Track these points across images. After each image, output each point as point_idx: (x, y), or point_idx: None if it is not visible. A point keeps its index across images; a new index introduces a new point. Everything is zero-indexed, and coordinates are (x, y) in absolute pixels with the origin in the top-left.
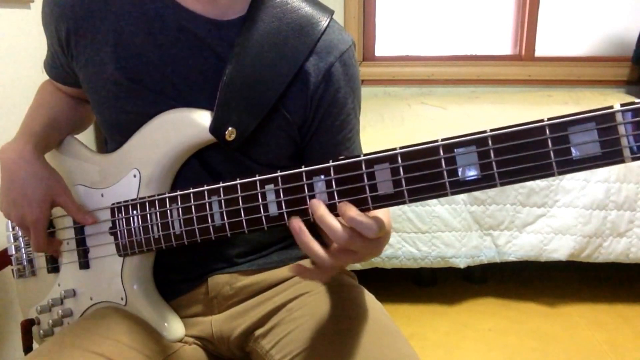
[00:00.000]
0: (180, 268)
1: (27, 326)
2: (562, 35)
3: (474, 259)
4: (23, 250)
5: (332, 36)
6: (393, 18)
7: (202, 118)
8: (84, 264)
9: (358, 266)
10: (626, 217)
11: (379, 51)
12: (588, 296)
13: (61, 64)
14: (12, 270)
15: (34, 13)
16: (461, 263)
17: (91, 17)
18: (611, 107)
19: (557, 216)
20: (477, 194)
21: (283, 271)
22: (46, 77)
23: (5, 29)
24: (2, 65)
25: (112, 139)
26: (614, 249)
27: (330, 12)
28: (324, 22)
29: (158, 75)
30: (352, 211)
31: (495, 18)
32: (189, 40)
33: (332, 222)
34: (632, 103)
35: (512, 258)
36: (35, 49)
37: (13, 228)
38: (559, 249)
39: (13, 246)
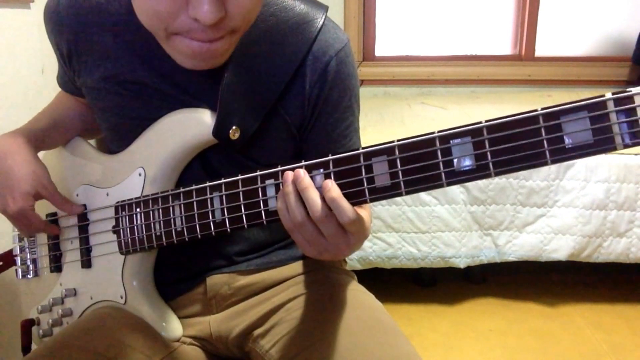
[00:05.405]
0: (179, 266)
1: (27, 326)
2: (562, 35)
3: (474, 259)
4: (27, 250)
5: (328, 35)
6: (393, 18)
7: (208, 118)
8: (86, 262)
9: (358, 266)
10: (626, 217)
11: (379, 51)
12: (588, 296)
13: (69, 78)
14: (16, 270)
15: (34, 13)
16: (461, 263)
17: (89, 32)
18: (603, 96)
19: (557, 216)
20: (477, 193)
21: (282, 271)
22: (45, 78)
23: (5, 29)
24: (2, 65)
25: (116, 144)
26: (614, 249)
27: (325, 9)
28: (319, 20)
29: (159, 84)
30: (335, 192)
31: (495, 18)
32: None
33: (314, 195)
34: (624, 91)
35: (512, 258)
36: (35, 49)
37: None
38: (559, 249)
39: (18, 246)
